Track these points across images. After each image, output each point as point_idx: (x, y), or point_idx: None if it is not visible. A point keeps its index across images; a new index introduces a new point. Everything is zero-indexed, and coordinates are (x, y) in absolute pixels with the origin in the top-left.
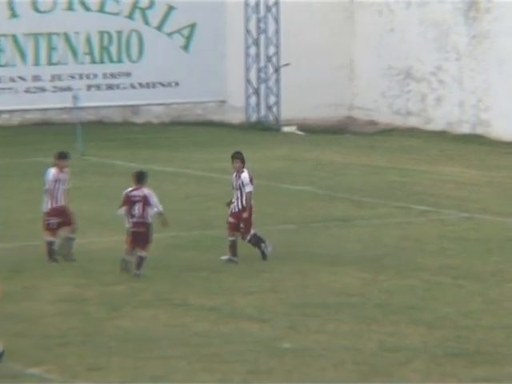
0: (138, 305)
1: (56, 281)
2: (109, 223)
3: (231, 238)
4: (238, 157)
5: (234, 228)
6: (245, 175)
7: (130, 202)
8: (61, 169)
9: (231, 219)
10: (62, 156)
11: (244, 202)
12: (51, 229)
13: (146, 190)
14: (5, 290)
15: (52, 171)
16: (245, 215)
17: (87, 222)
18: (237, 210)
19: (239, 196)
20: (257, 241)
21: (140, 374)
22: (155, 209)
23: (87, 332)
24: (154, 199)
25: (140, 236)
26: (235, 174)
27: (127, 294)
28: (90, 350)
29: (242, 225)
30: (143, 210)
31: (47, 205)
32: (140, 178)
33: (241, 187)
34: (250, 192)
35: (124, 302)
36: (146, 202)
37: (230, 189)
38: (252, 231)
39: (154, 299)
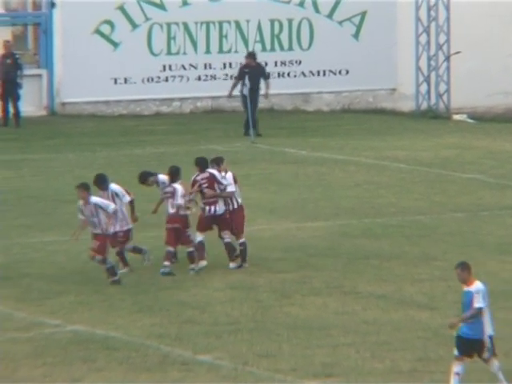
0: (308, 292)
1: (226, 268)
2: (278, 211)
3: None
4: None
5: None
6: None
7: None
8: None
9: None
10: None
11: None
12: None
13: None
14: (176, 278)
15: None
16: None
17: (257, 210)
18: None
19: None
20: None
21: (310, 362)
22: None
23: (257, 319)
24: None
25: None
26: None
27: (297, 281)
28: (261, 337)
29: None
30: None
31: None
32: None
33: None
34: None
35: (294, 289)
36: None
37: (401, 176)
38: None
39: (324, 287)
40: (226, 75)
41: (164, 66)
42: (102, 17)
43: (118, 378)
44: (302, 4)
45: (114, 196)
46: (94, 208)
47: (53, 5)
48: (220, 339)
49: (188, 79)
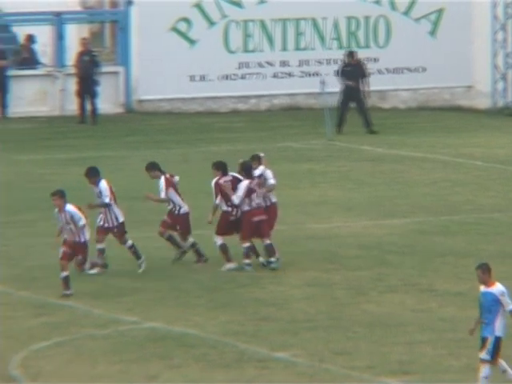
0: (385, 290)
1: (302, 265)
2: (355, 208)
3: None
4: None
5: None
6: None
7: None
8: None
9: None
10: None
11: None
12: None
13: None
14: (253, 275)
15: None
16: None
17: (334, 207)
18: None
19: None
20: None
21: (386, 359)
22: None
23: (334, 316)
24: None
25: None
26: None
27: (373, 278)
28: (337, 334)
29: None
30: None
31: None
32: None
33: None
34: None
35: (370, 286)
36: None
37: (477, 173)
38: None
39: (401, 284)
40: (303, 72)
41: (240, 64)
42: (179, 14)
43: (194, 375)
44: (378, 1)
45: (99, 195)
46: (69, 216)
47: (130, 2)
48: (296, 336)
49: (264, 76)
